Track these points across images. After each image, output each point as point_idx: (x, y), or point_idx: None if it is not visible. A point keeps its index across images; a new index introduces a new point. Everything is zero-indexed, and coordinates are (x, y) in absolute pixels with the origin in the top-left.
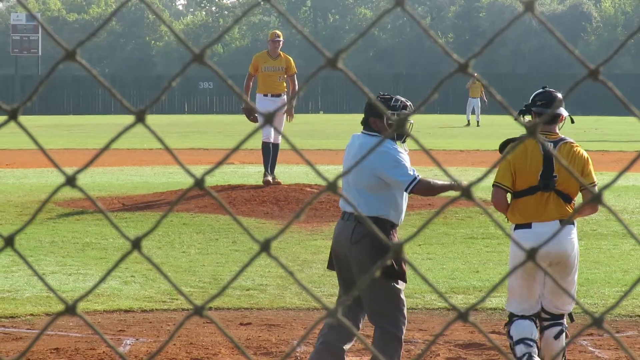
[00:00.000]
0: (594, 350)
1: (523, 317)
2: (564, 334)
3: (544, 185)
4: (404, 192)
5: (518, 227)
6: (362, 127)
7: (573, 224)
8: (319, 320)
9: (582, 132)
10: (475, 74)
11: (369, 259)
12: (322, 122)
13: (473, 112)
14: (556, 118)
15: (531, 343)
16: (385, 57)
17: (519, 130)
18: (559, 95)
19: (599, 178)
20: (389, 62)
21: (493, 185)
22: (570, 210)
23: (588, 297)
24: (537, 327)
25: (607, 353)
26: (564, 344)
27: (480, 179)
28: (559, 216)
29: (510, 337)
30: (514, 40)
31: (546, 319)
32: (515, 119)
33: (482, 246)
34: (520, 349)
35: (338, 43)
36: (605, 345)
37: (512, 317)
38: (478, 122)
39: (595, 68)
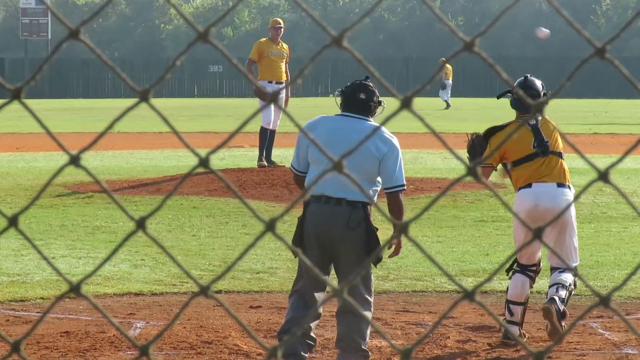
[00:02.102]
0: (604, 332)
1: (521, 270)
2: (570, 273)
3: (542, 152)
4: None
5: (520, 188)
6: (356, 109)
7: (569, 187)
8: (324, 300)
9: (591, 115)
10: (444, 58)
11: (363, 244)
12: (332, 104)
13: (444, 92)
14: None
15: (514, 311)
16: (395, 41)
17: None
18: (537, 82)
19: (608, 161)
20: (399, 46)
21: (485, 165)
22: (565, 167)
23: (598, 279)
24: (532, 281)
25: (617, 335)
26: (569, 278)
27: (486, 158)
28: (557, 176)
29: (507, 291)
30: (524, 24)
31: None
32: (523, 98)
33: (492, 229)
34: (507, 314)
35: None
36: (615, 328)
37: (514, 267)
38: (447, 102)
39: (601, 46)
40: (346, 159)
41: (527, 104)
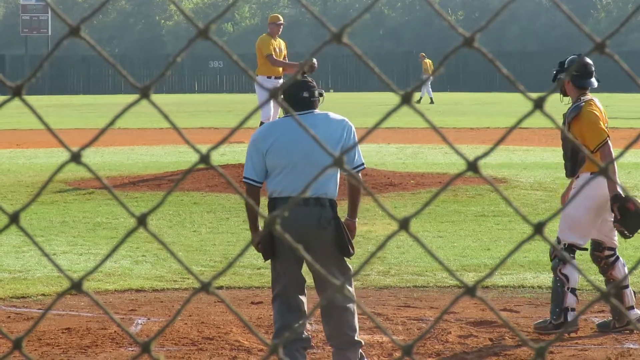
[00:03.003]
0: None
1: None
2: None
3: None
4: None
5: (597, 174)
6: (302, 107)
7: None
8: (326, 296)
9: None
10: (423, 53)
11: (334, 242)
12: (332, 100)
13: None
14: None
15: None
16: (394, 36)
17: (524, 108)
18: (585, 60)
19: None
20: (398, 41)
21: (604, 143)
22: None
23: (599, 274)
24: None
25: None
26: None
27: (486, 154)
28: None
29: (565, 277)
30: (524, 18)
31: (611, 254)
32: (523, 93)
33: (493, 224)
34: (572, 301)
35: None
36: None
37: (570, 251)
38: (431, 98)
39: (601, 41)
40: (316, 155)
41: (530, 100)
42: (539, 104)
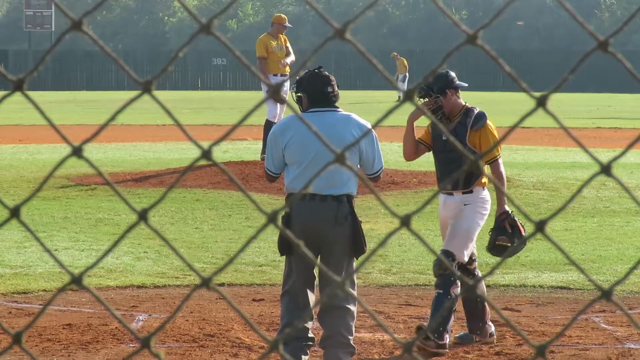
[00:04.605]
0: (607, 326)
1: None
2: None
3: None
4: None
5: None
6: (325, 103)
7: None
8: (327, 293)
9: (595, 109)
10: (395, 52)
11: (350, 237)
12: None
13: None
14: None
15: None
16: (398, 34)
17: (527, 107)
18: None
19: (612, 155)
20: (402, 39)
21: (498, 158)
22: None
23: (600, 273)
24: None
25: (620, 329)
26: None
27: (488, 151)
28: None
29: (456, 297)
30: (528, 17)
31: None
32: (526, 91)
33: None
34: (451, 322)
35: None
36: (617, 322)
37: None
38: (399, 97)
39: (604, 40)
40: (330, 153)
41: (534, 98)
42: (541, 102)
